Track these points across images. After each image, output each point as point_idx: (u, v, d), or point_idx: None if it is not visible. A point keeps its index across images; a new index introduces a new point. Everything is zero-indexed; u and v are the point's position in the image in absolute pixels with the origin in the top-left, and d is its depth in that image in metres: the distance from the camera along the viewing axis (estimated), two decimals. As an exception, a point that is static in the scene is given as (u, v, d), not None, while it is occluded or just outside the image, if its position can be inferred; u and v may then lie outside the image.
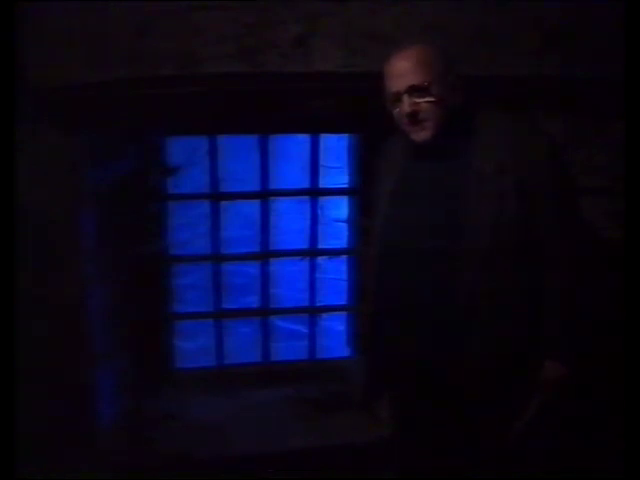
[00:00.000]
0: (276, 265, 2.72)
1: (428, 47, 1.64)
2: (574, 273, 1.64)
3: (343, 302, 2.75)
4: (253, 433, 2.34)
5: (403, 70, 1.62)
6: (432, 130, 1.64)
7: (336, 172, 2.81)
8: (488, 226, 1.59)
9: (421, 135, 1.65)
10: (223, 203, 2.52)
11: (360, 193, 2.53)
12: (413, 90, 1.61)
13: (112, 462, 2.20)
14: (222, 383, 2.60)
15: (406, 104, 1.62)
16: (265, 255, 2.61)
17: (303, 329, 2.85)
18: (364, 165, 2.46)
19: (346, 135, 2.55)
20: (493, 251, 1.60)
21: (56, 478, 2.09)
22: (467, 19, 2.00)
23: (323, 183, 2.58)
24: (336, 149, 2.76)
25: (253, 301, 2.79)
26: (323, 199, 2.62)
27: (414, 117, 1.62)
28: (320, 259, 2.68)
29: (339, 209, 2.77)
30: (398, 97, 1.64)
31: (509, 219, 1.59)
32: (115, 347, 2.34)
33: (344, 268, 2.72)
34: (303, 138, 2.54)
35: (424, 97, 1.61)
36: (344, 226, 2.71)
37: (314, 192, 2.57)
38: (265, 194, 2.52)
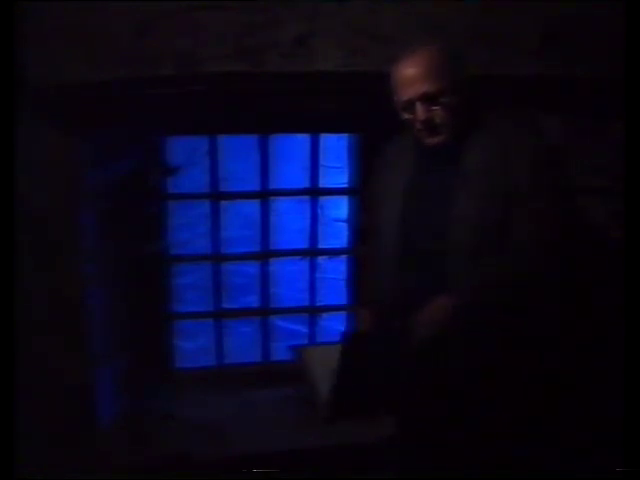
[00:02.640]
0: (276, 265, 2.72)
1: (436, 49, 1.61)
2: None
3: (343, 302, 2.75)
4: (253, 433, 2.34)
5: (414, 77, 1.59)
6: (446, 135, 1.64)
7: (336, 172, 2.81)
8: (472, 226, 1.60)
9: (435, 140, 1.65)
10: (223, 203, 2.52)
11: (360, 193, 2.53)
12: (426, 97, 1.59)
13: (112, 462, 2.20)
14: (222, 383, 2.60)
15: (420, 112, 1.60)
16: (265, 255, 2.61)
17: (303, 329, 2.85)
18: (364, 165, 2.46)
19: (346, 135, 2.55)
20: (477, 251, 1.61)
21: (56, 478, 2.09)
22: (467, 19, 1.99)
23: (323, 183, 2.58)
24: (336, 149, 2.76)
25: (253, 301, 2.79)
26: (323, 199, 2.62)
27: (429, 124, 1.61)
28: (320, 259, 2.68)
29: (339, 209, 2.77)
30: (410, 104, 1.62)
31: (494, 220, 1.60)
32: (115, 347, 2.34)
33: (344, 268, 2.72)
34: (303, 138, 2.54)
35: (437, 104, 1.60)
36: (344, 226, 2.71)
37: (314, 192, 2.57)
38: (265, 194, 2.52)
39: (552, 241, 1.66)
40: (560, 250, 1.69)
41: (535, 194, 1.62)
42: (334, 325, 3.09)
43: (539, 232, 1.63)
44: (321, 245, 2.66)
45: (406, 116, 1.65)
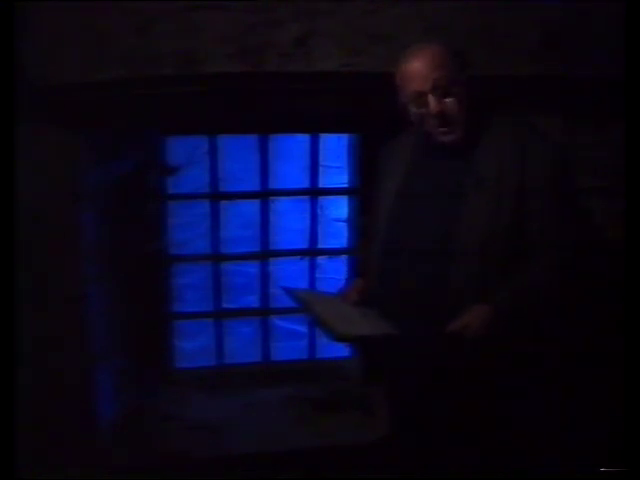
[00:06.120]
0: (276, 265, 2.72)
1: (441, 47, 1.62)
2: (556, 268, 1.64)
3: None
4: (253, 433, 2.34)
5: (425, 69, 1.58)
6: (460, 131, 1.62)
7: (336, 172, 2.80)
8: (482, 230, 1.59)
9: (450, 137, 1.63)
10: (223, 203, 2.52)
11: (360, 193, 2.53)
12: (437, 89, 1.58)
13: (112, 462, 2.20)
14: (222, 383, 2.60)
15: (432, 104, 1.59)
16: (265, 255, 2.61)
17: (303, 329, 2.85)
18: (364, 165, 2.46)
19: (346, 135, 2.55)
20: (484, 255, 1.59)
21: (56, 478, 2.09)
22: (467, 19, 2.00)
23: (323, 183, 2.58)
24: (336, 149, 2.75)
25: (253, 301, 2.79)
26: (323, 199, 2.62)
27: (442, 117, 1.60)
28: (320, 259, 2.68)
29: (339, 209, 2.77)
30: (421, 97, 1.60)
31: (504, 225, 1.59)
32: (115, 347, 2.34)
33: (344, 268, 2.72)
34: (303, 138, 2.54)
35: (449, 95, 1.59)
36: (344, 226, 2.71)
37: (314, 192, 2.57)
38: (265, 194, 2.52)
39: (570, 243, 1.65)
40: (577, 252, 1.67)
41: (553, 197, 1.61)
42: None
43: (558, 234, 1.63)
44: (321, 245, 2.66)
45: (416, 110, 1.63)
